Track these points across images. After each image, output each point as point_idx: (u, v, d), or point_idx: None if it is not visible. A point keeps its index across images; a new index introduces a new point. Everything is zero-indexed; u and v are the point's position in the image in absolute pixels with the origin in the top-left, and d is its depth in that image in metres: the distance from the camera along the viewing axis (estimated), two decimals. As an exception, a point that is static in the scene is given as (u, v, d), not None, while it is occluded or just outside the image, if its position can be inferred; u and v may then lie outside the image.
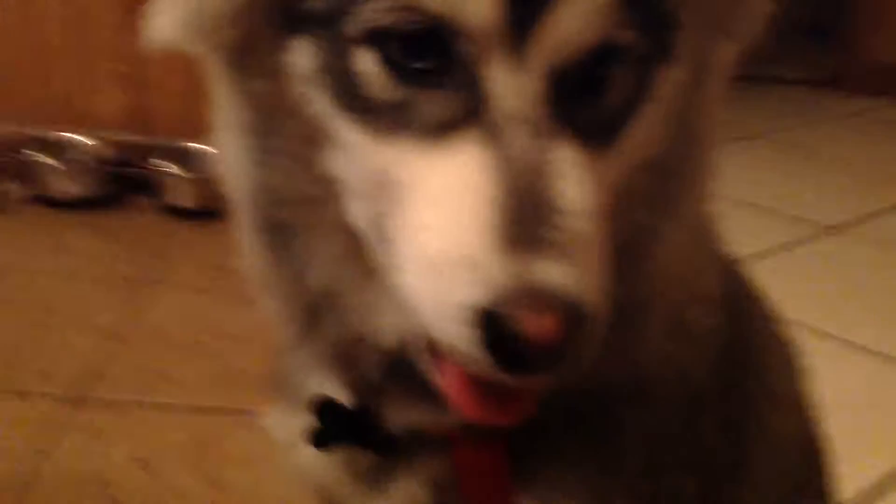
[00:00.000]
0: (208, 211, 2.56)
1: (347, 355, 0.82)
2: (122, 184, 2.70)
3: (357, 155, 0.68)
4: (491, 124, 0.63)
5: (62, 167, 2.63)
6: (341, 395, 0.86)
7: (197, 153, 2.66)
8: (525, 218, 0.61)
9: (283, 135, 0.73)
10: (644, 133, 0.70)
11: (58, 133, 2.74)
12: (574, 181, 0.63)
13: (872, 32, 4.97)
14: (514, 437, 0.83)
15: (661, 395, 0.86)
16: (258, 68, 0.71)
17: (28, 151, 2.67)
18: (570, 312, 0.60)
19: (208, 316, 2.13)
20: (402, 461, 0.86)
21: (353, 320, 0.79)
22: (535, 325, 0.59)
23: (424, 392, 0.77)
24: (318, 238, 0.77)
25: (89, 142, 2.74)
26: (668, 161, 0.75)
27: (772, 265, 2.73)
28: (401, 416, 0.83)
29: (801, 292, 2.53)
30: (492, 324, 0.60)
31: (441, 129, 0.64)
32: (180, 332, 2.09)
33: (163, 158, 2.67)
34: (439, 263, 0.62)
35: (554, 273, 0.60)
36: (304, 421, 0.88)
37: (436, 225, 0.63)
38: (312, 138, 0.70)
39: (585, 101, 0.66)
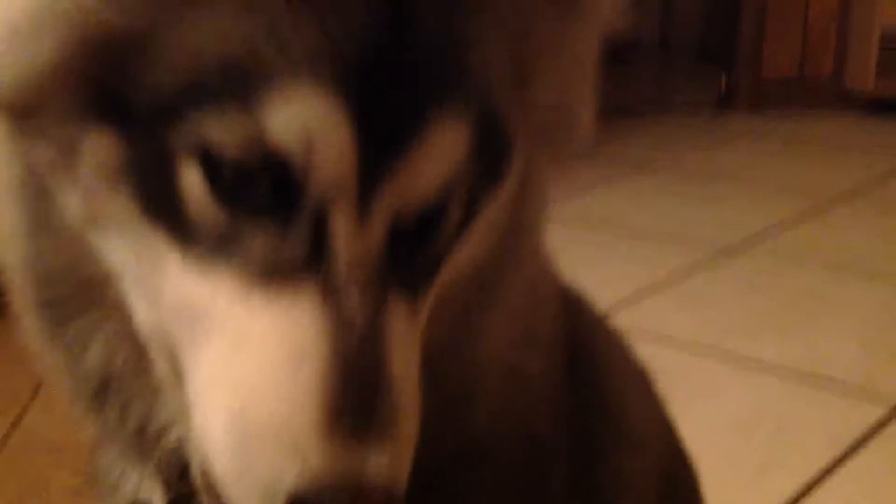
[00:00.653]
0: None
1: (148, 449, 0.76)
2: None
3: (157, 269, 0.60)
4: (329, 278, 0.57)
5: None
6: (157, 491, 0.79)
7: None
8: (353, 393, 0.56)
9: (62, 209, 0.64)
10: (467, 256, 0.66)
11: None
12: (403, 347, 0.59)
13: (761, 49, 5.10)
14: None
15: (502, 452, 0.82)
16: (43, 137, 0.62)
17: None
18: (386, 501, 0.56)
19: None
20: None
21: (137, 410, 0.73)
22: None
23: None
24: (93, 319, 0.70)
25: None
26: (488, 264, 0.70)
27: (675, 292, 2.75)
28: None
29: (706, 316, 2.54)
30: None
31: (272, 272, 0.57)
32: (66, 437, 2.01)
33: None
34: (250, 430, 0.56)
35: (377, 464, 0.55)
36: None
37: (251, 383, 0.56)
38: (96, 221, 0.62)
39: (417, 247, 0.61)
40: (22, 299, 0.74)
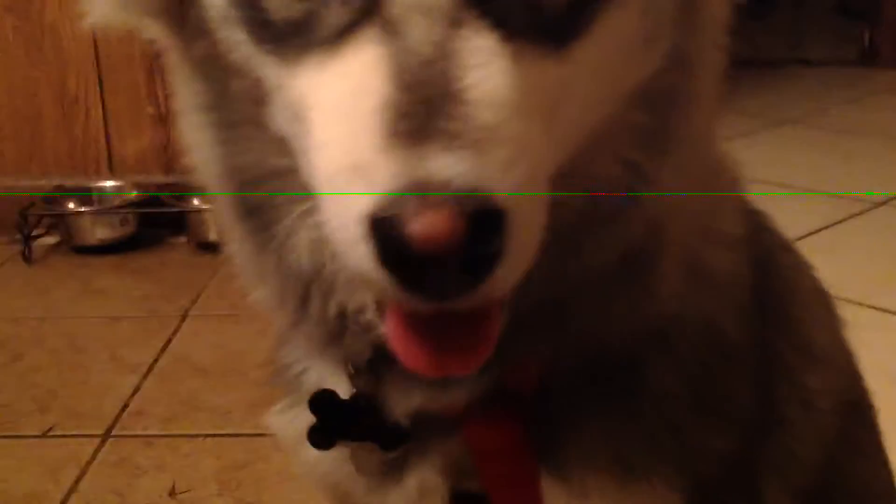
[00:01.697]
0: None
1: (341, 338, 0.77)
2: (148, 224, 2.70)
3: (277, 90, 0.63)
4: (389, 19, 0.56)
5: (87, 213, 2.63)
6: (340, 386, 0.81)
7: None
8: (420, 111, 0.53)
9: (234, 101, 0.69)
10: (613, 43, 0.63)
11: (83, 181, 2.76)
12: (488, 71, 0.55)
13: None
14: (530, 409, 0.77)
15: (684, 345, 0.80)
16: (192, 29, 0.68)
17: (54, 202, 2.68)
18: (467, 206, 0.51)
19: (239, 344, 2.11)
20: (414, 450, 0.81)
21: (340, 299, 0.74)
22: (423, 222, 0.50)
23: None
24: (295, 218, 0.70)
25: (113, 184, 2.75)
26: (660, 93, 0.69)
27: (817, 243, 2.67)
28: (403, 402, 0.77)
29: (850, 267, 2.46)
30: (379, 231, 0.51)
31: (339, 36, 0.58)
32: (212, 362, 2.07)
33: (186, 195, 2.67)
34: (333, 178, 0.55)
35: (446, 163, 0.51)
36: (307, 417, 0.83)
37: (331, 137, 0.56)
38: (257, 97, 0.65)
39: None
40: (225, 212, 0.76)
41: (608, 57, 0.64)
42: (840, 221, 2.88)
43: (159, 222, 2.71)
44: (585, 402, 0.78)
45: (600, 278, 0.73)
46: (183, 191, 2.67)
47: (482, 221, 0.51)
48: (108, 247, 2.62)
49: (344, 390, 0.81)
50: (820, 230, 2.79)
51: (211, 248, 2.59)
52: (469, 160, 0.52)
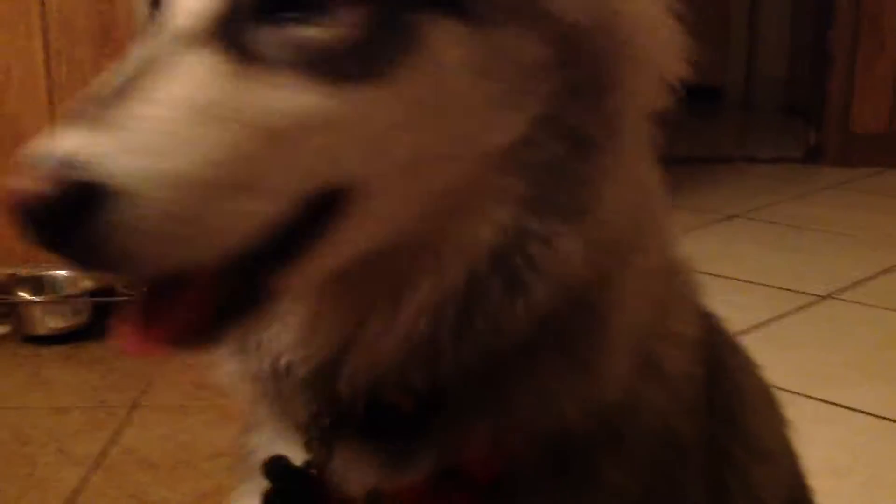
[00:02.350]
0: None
1: (290, 400, 0.80)
2: (101, 313, 2.69)
3: None
4: (149, 32, 0.69)
5: (40, 303, 2.62)
6: (296, 455, 0.82)
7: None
8: (95, 102, 0.62)
9: None
10: (428, 94, 0.68)
11: (37, 270, 2.76)
12: (181, 80, 0.64)
13: (850, 104, 5.04)
14: (487, 497, 0.79)
15: (637, 440, 0.82)
16: None
17: (6, 291, 2.68)
18: (59, 174, 0.59)
19: (189, 436, 2.10)
20: None
21: (276, 351, 0.78)
22: (15, 180, 0.59)
23: (378, 448, 0.76)
24: None
25: (67, 274, 2.75)
26: (542, 165, 0.72)
27: (762, 336, 2.72)
28: (357, 478, 0.79)
29: (795, 360, 2.51)
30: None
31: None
32: (161, 454, 2.05)
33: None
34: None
35: (70, 140, 0.60)
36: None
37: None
38: None
39: (280, 22, 0.66)
40: None
41: (427, 106, 0.68)
42: (785, 314, 2.94)
43: (113, 312, 2.70)
44: (541, 494, 0.79)
45: (525, 351, 0.75)
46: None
47: (72, 187, 0.59)
48: (60, 336, 2.61)
49: (298, 458, 0.82)
50: (765, 322, 2.85)
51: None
52: (90, 139, 0.60)
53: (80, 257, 0.62)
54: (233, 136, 0.64)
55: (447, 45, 0.68)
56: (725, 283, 3.13)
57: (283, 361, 0.78)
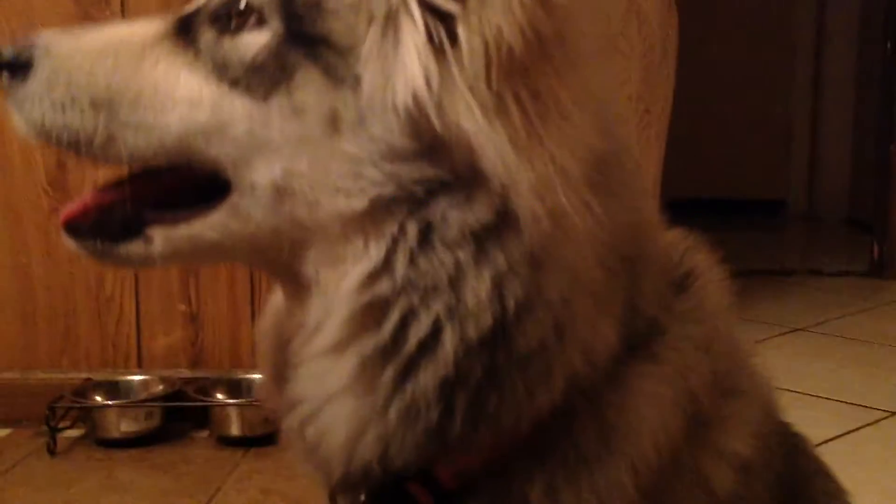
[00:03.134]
0: (255, 438, 2.63)
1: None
2: (172, 418, 2.75)
3: None
4: None
5: (114, 406, 2.69)
6: None
7: (243, 383, 2.78)
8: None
9: None
10: (288, 123, 0.82)
11: (112, 375, 2.84)
12: (132, 30, 0.92)
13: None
14: None
15: None
16: None
17: (82, 395, 2.75)
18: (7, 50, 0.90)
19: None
20: None
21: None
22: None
23: None
24: None
25: (140, 379, 2.83)
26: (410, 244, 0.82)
27: (831, 452, 2.67)
28: None
29: (866, 477, 2.46)
30: None
31: None
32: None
33: (211, 390, 2.75)
34: None
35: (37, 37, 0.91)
36: None
37: None
38: None
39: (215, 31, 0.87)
40: None
41: (288, 136, 0.82)
42: (854, 430, 2.89)
43: (183, 417, 2.76)
44: None
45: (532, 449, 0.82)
46: (208, 386, 2.76)
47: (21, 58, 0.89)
48: (132, 440, 2.67)
49: None
50: (834, 438, 2.81)
51: (233, 442, 2.64)
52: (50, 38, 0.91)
53: (13, 95, 0.89)
54: (135, 79, 0.88)
55: (308, 90, 0.81)
56: (791, 398, 3.09)
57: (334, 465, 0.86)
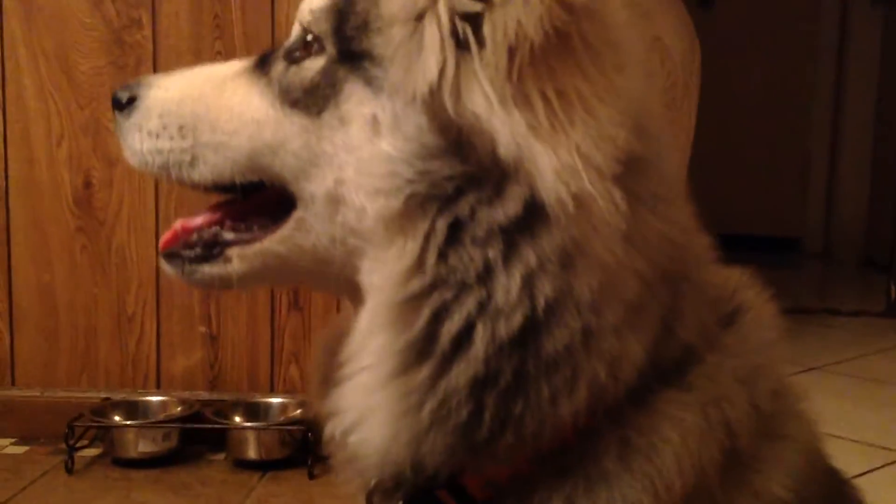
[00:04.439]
0: (272, 461, 2.64)
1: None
2: (189, 439, 2.76)
3: None
4: None
5: (132, 426, 2.71)
6: None
7: (260, 406, 2.79)
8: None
9: None
10: (338, 134, 0.90)
11: (131, 395, 2.86)
12: (219, 70, 1.03)
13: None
14: None
15: None
16: None
17: (101, 414, 2.77)
18: (123, 90, 1.03)
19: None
20: None
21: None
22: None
23: None
24: None
25: (159, 399, 2.84)
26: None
27: (848, 493, 2.66)
28: None
29: (882, 519, 2.45)
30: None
31: None
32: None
33: (229, 412, 2.76)
34: None
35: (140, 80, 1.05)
36: None
37: None
38: None
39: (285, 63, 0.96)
40: None
41: (340, 147, 0.90)
42: (872, 470, 2.88)
43: (200, 438, 2.77)
44: None
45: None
46: (225, 408, 2.77)
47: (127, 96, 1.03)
48: (149, 460, 2.68)
49: None
50: (851, 479, 2.79)
51: (249, 465, 2.64)
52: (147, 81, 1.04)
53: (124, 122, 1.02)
54: (216, 106, 0.98)
55: (352, 100, 0.89)
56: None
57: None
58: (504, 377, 0.80)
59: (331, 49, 0.92)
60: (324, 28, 0.92)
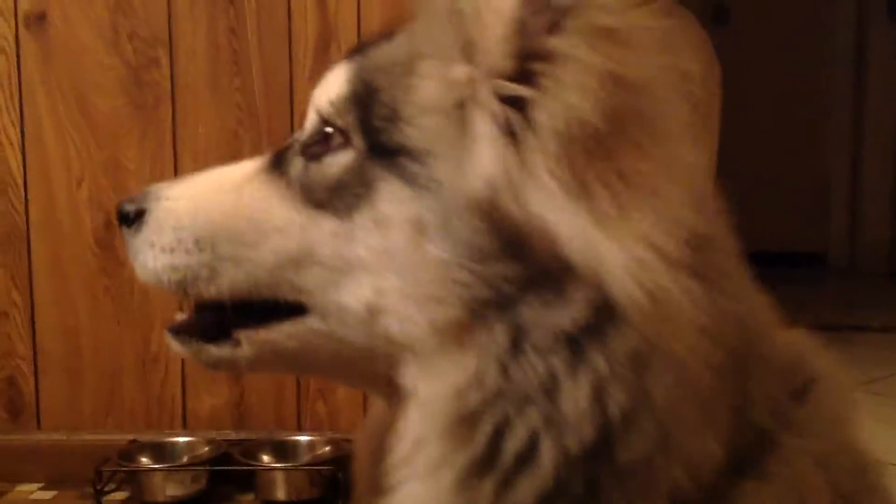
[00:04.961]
0: (301, 502, 2.60)
1: None
2: (218, 480, 2.73)
3: None
4: None
5: (160, 470, 2.67)
6: None
7: (288, 445, 2.75)
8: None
9: None
10: (374, 235, 0.83)
11: (157, 436, 2.83)
12: (234, 172, 0.96)
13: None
14: None
15: None
16: None
17: (129, 458, 2.74)
18: (129, 202, 0.97)
19: None
20: None
21: None
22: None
23: None
24: None
25: (186, 440, 2.81)
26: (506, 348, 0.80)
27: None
28: None
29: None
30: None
31: None
32: None
33: (256, 452, 2.72)
34: None
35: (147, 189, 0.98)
36: None
37: None
38: None
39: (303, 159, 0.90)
40: None
41: (375, 250, 0.83)
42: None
43: (229, 479, 2.73)
44: None
45: None
46: (253, 447, 2.73)
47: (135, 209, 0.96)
48: (179, 503, 2.64)
49: None
50: None
51: (278, 506, 2.61)
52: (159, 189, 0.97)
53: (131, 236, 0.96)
54: (233, 215, 0.91)
55: (390, 201, 0.82)
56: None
57: None
58: (574, 488, 0.74)
59: (358, 143, 0.85)
60: (347, 120, 0.86)
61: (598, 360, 0.74)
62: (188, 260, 0.91)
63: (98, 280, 2.85)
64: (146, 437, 2.84)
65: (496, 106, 0.77)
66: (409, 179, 0.80)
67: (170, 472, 2.66)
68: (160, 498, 2.65)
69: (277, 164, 0.93)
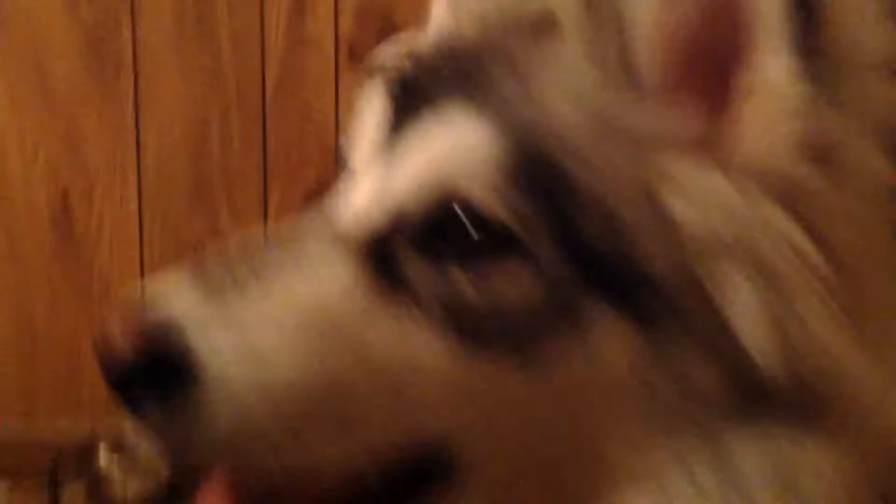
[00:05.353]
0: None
1: None
2: (180, 479, 2.59)
3: None
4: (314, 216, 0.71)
5: (119, 465, 2.54)
6: None
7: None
8: (223, 270, 0.63)
9: None
10: (573, 377, 0.61)
11: (118, 426, 2.68)
12: (319, 287, 0.62)
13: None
14: None
15: None
16: None
17: (87, 451, 2.59)
18: (142, 325, 0.58)
19: None
20: None
21: None
22: (110, 325, 0.58)
23: None
24: None
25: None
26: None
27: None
28: None
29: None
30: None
31: None
32: None
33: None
34: None
35: (176, 299, 0.60)
36: None
37: None
38: None
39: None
40: None
41: (569, 394, 0.61)
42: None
43: (191, 478, 2.58)
44: None
45: None
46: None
47: (162, 351, 0.58)
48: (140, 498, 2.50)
49: None
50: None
51: None
52: (197, 307, 0.59)
53: (155, 426, 0.63)
54: (343, 361, 0.61)
55: (609, 337, 0.61)
56: None
57: None
58: None
59: (546, 256, 0.61)
60: (517, 212, 0.62)
61: None
62: (282, 443, 0.63)
63: (53, 267, 2.68)
64: (105, 426, 2.68)
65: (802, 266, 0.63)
66: (638, 313, 0.61)
67: (130, 464, 2.52)
68: (120, 492, 2.50)
69: (381, 264, 0.64)
